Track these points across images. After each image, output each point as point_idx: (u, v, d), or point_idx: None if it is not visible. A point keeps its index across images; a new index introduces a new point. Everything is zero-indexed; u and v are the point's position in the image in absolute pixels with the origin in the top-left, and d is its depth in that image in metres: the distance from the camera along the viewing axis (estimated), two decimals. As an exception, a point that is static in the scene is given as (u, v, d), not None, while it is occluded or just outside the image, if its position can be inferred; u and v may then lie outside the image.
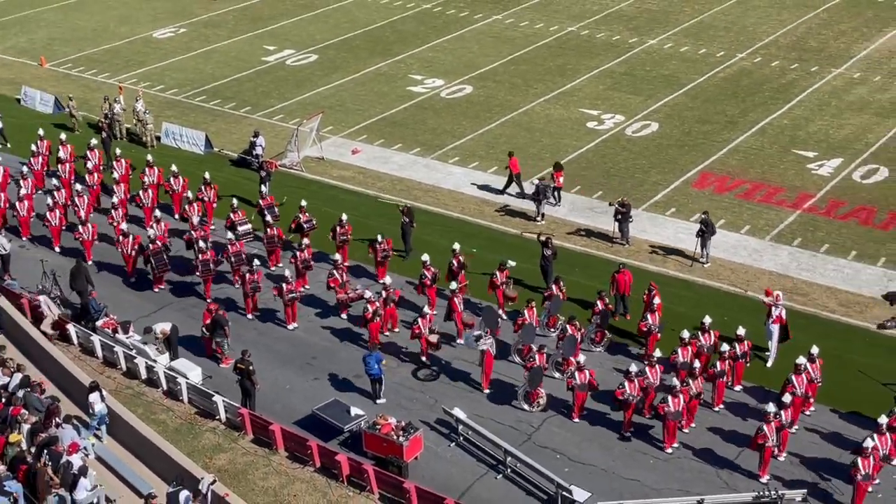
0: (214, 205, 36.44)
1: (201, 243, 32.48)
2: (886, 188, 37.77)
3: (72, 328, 30.73)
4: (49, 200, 35.43)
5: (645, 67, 49.33)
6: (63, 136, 40.47)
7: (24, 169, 38.17)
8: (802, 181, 38.47)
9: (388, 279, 30.94)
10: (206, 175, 36.80)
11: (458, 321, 29.96)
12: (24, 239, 35.97)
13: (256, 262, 32.05)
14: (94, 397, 25.76)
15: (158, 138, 43.71)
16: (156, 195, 36.92)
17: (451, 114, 45.25)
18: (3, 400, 25.42)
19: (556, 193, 37.67)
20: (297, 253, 32.52)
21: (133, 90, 45.97)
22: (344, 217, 33.85)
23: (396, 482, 24.51)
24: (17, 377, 26.32)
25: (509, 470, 25.43)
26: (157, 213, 34.97)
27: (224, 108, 46.97)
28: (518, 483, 25.16)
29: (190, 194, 35.87)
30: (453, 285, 30.13)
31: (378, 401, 28.00)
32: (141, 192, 36.59)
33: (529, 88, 47.34)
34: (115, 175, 37.55)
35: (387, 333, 30.42)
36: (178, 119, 45.22)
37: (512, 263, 31.22)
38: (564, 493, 24.19)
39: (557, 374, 28.16)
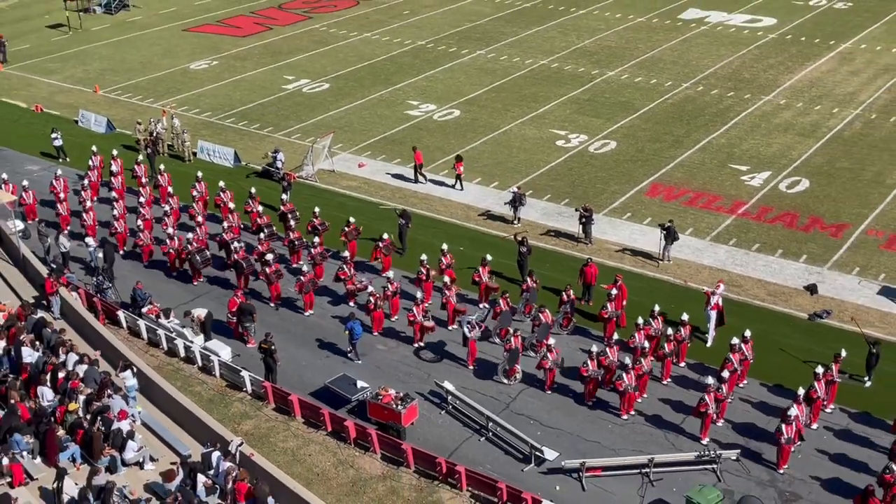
0: (258, 212, 35.55)
1: (236, 244, 32.47)
2: (807, 197, 37.87)
3: (121, 314, 30.68)
4: (115, 211, 35.24)
5: (605, 95, 49.35)
6: (115, 151, 40.33)
7: (85, 182, 37.96)
8: (737, 191, 38.55)
9: (390, 273, 30.90)
10: (252, 189, 36.56)
11: (450, 310, 29.99)
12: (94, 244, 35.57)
13: (269, 256, 31.89)
14: (126, 374, 25.78)
15: (195, 154, 43.60)
16: (205, 207, 36.57)
17: (442, 133, 45.21)
18: (63, 375, 25.42)
19: (458, 180, 39.26)
20: (312, 250, 32.58)
21: (170, 112, 45.80)
22: (351, 219, 33.84)
23: (396, 444, 24.56)
24: (73, 357, 26.29)
25: (491, 433, 25.48)
26: (199, 218, 34.86)
27: (250, 128, 46.86)
28: (498, 444, 25.21)
29: (232, 205, 35.57)
30: (446, 279, 30.16)
31: (357, 361, 28.49)
32: (195, 204, 36.16)
33: (508, 112, 47.32)
34: (170, 189, 37.32)
35: (393, 319, 30.43)
36: (211, 138, 45.09)
37: (489, 258, 31.25)
38: (537, 452, 24.29)
39: (532, 354, 28.20)
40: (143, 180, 38.05)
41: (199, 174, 37.72)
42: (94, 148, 40.62)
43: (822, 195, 37.92)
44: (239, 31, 63.15)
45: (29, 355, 26.31)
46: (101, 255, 32.66)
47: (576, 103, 48.32)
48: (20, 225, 35.05)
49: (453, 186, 39.46)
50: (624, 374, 25.38)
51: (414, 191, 39.53)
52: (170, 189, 37.32)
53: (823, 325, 29.69)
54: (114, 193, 36.91)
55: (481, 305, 30.87)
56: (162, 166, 39.01)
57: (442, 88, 51.01)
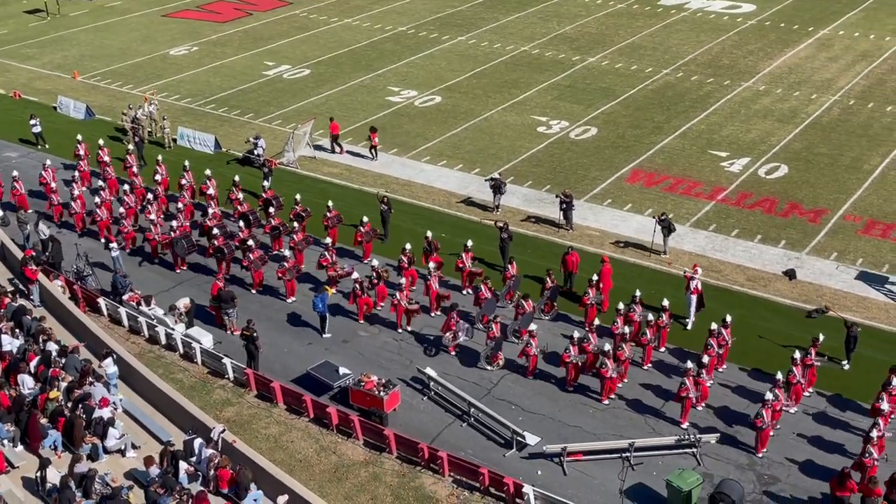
0: (239, 199, 35.49)
1: (216, 230, 32.33)
2: (786, 182, 38.06)
3: (102, 301, 30.48)
4: (97, 199, 34.97)
5: (586, 81, 49.35)
6: (101, 141, 40.00)
7: (76, 173, 37.35)
8: (717, 177, 38.68)
9: (375, 261, 30.81)
10: (236, 178, 36.33)
11: (433, 296, 29.98)
12: (78, 233, 35.19)
13: (250, 242, 31.80)
14: (107, 361, 25.65)
15: (175, 140, 43.30)
16: (192, 195, 36.28)
17: (423, 120, 45.10)
18: (43, 363, 25.27)
19: (373, 151, 40.81)
20: (294, 237, 32.48)
21: (150, 98, 45.47)
22: (330, 203, 33.78)
23: (378, 430, 24.57)
24: (53, 345, 26.12)
25: (473, 419, 25.51)
26: (180, 205, 34.67)
27: (230, 114, 46.59)
28: (480, 430, 25.25)
29: (212, 191, 35.38)
30: (431, 265, 30.13)
31: (324, 335, 28.85)
32: (183, 193, 35.96)
33: (489, 98, 47.25)
34: (157, 177, 36.97)
35: (379, 307, 30.36)
36: (191, 124, 44.79)
37: (470, 243, 31.24)
38: (518, 437, 24.34)
39: (515, 340, 28.24)
40: (134, 170, 37.82)
41: (187, 163, 37.45)
42: (79, 137, 40.15)
43: (800, 181, 38.11)
44: (219, 16, 62.72)
45: (8, 343, 26.12)
46: (116, 254, 32.35)
47: (557, 89, 48.27)
48: (-2, 212, 34.81)
49: (371, 157, 40.72)
50: (608, 361, 25.47)
51: (395, 177, 39.44)
52: (157, 177, 37.02)
53: (802, 310, 29.86)
54: (100, 182, 36.59)
55: (464, 292, 30.91)
56: (160, 157, 38.57)
57: (423, 75, 50.85)
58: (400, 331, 29.23)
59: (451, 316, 27.91)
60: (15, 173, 37.06)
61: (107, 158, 38.39)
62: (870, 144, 41.27)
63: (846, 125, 43.26)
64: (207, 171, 36.65)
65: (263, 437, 25.08)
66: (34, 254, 31.28)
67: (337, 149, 41.46)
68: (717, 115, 44.65)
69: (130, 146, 39.84)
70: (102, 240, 34.53)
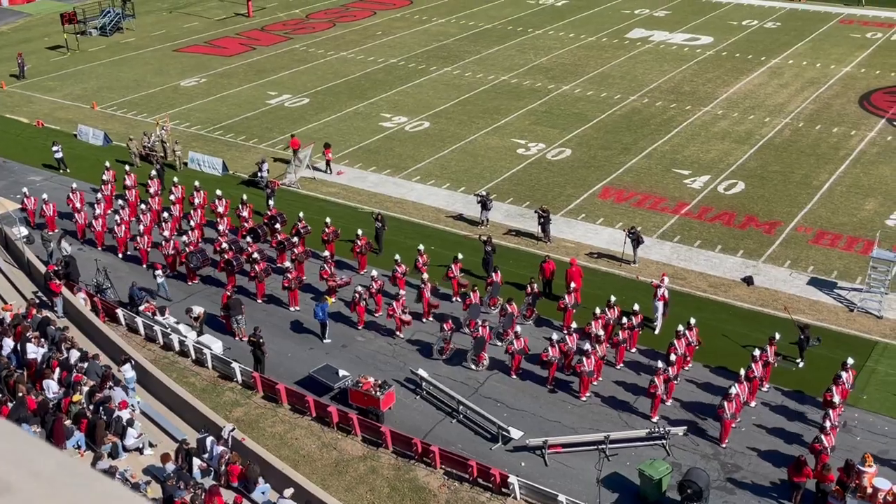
0: (245, 216, 35.50)
1: (224, 245, 32.21)
2: (743, 198, 38.25)
3: (120, 312, 30.30)
4: (117, 217, 34.83)
5: (560, 107, 49.54)
6: (127, 167, 39.83)
7: (98, 195, 37.24)
8: (680, 193, 38.84)
9: (374, 272, 30.74)
10: (244, 196, 36.25)
11: (426, 304, 29.93)
12: (99, 249, 35.14)
13: (256, 255, 31.73)
14: (125, 367, 25.52)
15: (186, 163, 43.17)
16: (203, 213, 36.20)
17: (413, 143, 45.14)
18: (66, 369, 25.11)
19: (327, 166, 41.40)
20: (295, 250, 32.40)
21: (161, 123, 45.34)
22: (328, 220, 33.74)
23: (375, 427, 24.48)
24: (75, 353, 25.96)
25: (462, 416, 25.46)
26: (192, 223, 34.57)
27: (237, 140, 46.52)
28: (468, 425, 25.19)
29: (221, 209, 35.37)
30: (425, 276, 30.10)
31: (325, 340, 28.75)
32: (192, 211, 35.91)
33: (473, 123, 47.34)
34: (172, 197, 36.93)
35: (377, 315, 30.30)
36: (201, 149, 44.68)
37: (460, 256, 31.28)
38: (503, 432, 24.29)
39: (499, 342, 28.23)
40: (150, 191, 37.65)
41: (197, 184, 37.33)
42: (106, 163, 39.87)
43: (756, 196, 38.30)
44: (225, 51, 62.69)
45: (33, 351, 25.94)
46: (161, 280, 31.99)
47: (534, 115, 48.43)
48: (24, 231, 34.59)
49: (325, 171, 41.15)
50: (584, 359, 25.49)
51: (388, 195, 39.43)
52: (172, 197, 36.95)
53: (759, 313, 29.96)
54: (120, 202, 36.44)
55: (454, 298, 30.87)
56: (176, 179, 38.47)
57: (412, 102, 50.92)
58: (399, 335, 29.12)
59: (444, 323, 27.86)
60: (45, 196, 36.90)
61: (129, 182, 38.31)
62: (818, 162, 41.55)
63: (796, 145, 43.55)
64: (218, 192, 36.58)
65: (270, 435, 24.95)
66: (56, 269, 31.11)
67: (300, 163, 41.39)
68: (679, 137, 44.87)
69: (153, 172, 39.66)
70: (120, 255, 34.50)
